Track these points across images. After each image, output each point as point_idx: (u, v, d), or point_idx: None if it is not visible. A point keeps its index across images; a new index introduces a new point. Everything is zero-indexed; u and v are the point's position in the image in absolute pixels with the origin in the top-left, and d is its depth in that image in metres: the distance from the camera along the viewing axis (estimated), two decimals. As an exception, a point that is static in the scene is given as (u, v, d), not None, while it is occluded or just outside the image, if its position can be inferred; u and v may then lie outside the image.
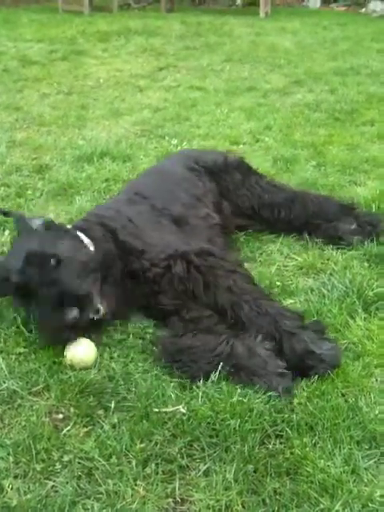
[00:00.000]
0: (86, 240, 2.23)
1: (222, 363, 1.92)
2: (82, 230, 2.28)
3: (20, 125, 4.81)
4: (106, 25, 9.92)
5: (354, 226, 2.94)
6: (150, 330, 2.26)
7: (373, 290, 2.41)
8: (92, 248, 2.22)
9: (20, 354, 2.10)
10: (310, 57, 7.75)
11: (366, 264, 2.68)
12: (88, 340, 2.04)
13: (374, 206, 3.24)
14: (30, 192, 3.45)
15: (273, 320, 2.02)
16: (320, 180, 3.72)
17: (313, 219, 3.00)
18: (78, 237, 2.22)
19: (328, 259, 2.78)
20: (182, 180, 2.82)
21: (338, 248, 2.85)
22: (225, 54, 7.84)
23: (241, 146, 4.37)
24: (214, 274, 2.18)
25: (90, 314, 2.00)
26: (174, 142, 4.38)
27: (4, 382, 1.94)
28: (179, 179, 2.82)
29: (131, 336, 2.21)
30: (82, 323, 1.98)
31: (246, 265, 2.74)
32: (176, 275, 2.22)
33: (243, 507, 1.50)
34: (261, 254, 2.89)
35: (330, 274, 2.62)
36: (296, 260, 2.79)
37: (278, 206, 3.01)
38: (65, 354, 1.99)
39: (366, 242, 2.83)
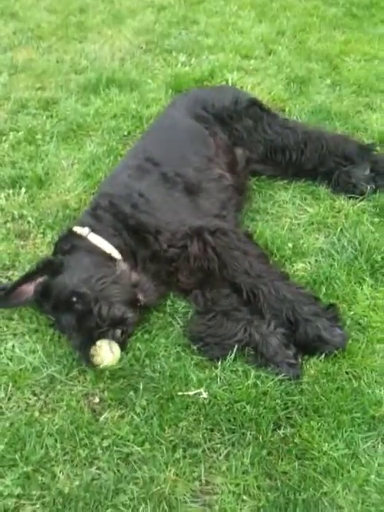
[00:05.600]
0: (104, 245, 2.36)
1: (241, 347, 2.13)
2: (96, 226, 2.40)
3: (19, 40, 4.57)
4: None
5: (367, 172, 2.94)
6: (169, 302, 2.44)
7: (381, 254, 2.51)
8: (113, 251, 2.35)
9: (53, 334, 2.30)
10: None
11: (376, 219, 2.74)
12: (111, 344, 2.16)
13: (388, 141, 3.21)
14: (39, 136, 3.42)
15: (291, 306, 2.17)
16: (334, 104, 3.63)
17: (327, 160, 2.99)
18: (95, 250, 2.33)
19: (339, 211, 2.84)
20: (192, 139, 2.79)
21: (349, 197, 2.89)
22: None
23: (252, 61, 4.16)
24: (231, 256, 2.29)
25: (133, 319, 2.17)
26: (182, 58, 4.19)
27: (43, 367, 2.17)
28: (189, 138, 2.79)
29: (153, 311, 2.39)
30: (126, 338, 2.18)
31: (258, 217, 2.85)
32: (192, 254, 2.34)
33: (258, 490, 1.78)
34: (273, 204, 2.94)
35: (340, 232, 2.70)
36: (307, 212, 2.86)
37: (290, 148, 3.00)
38: (93, 352, 2.13)
39: (377, 192, 2.87)
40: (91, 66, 4.15)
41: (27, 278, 2.28)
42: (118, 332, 2.11)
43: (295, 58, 4.15)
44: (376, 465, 1.82)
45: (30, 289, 2.29)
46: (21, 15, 4.99)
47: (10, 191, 3.01)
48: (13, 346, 2.27)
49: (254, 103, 3.09)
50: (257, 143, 3.00)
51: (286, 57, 4.18)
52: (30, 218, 2.85)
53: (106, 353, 2.11)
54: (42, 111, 3.66)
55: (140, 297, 2.21)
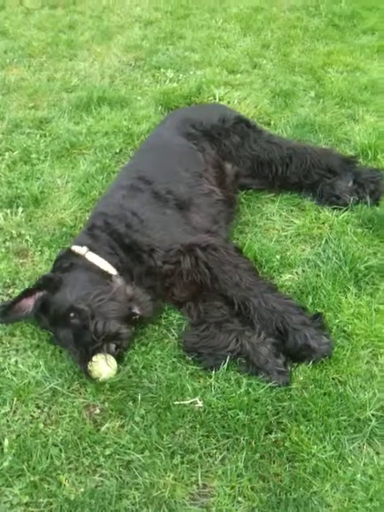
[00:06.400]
0: (101, 263, 2.46)
1: (233, 357, 2.26)
2: (93, 245, 2.52)
3: (10, 59, 4.68)
4: None
5: (350, 184, 3.08)
6: (164, 315, 2.56)
7: (364, 263, 2.65)
8: (110, 268, 2.45)
9: (54, 349, 2.42)
10: None
11: (359, 229, 2.87)
12: (108, 357, 2.27)
13: (370, 152, 3.35)
14: (34, 156, 3.53)
15: (280, 317, 2.30)
16: (318, 117, 3.76)
17: (311, 173, 3.12)
18: (92, 268, 2.44)
19: (323, 223, 2.97)
20: (182, 156, 2.92)
21: (333, 208, 3.02)
22: None
23: (238, 75, 4.29)
24: (222, 270, 2.42)
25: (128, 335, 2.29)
26: (170, 74, 4.31)
27: (46, 381, 2.28)
28: (179, 155, 2.92)
29: (149, 324, 2.50)
30: (121, 352, 2.30)
31: (247, 230, 2.97)
32: (185, 270, 2.46)
33: (252, 491, 1.90)
34: (261, 217, 3.07)
35: (326, 242, 2.83)
36: (294, 224, 2.99)
37: (276, 163, 3.14)
38: (90, 368, 2.24)
39: (360, 203, 3.01)
40: (82, 84, 4.27)
41: (25, 294, 2.39)
42: (113, 346, 2.23)
43: (280, 71, 4.29)
44: (361, 464, 1.95)
45: (29, 304, 2.40)
46: (11, 33, 5.10)
47: (8, 210, 3.12)
48: (16, 362, 2.38)
49: (241, 120, 3.23)
50: (244, 158, 3.13)
51: (270, 70, 4.32)
52: (27, 237, 2.96)
53: (103, 367, 2.23)
54: (35, 130, 3.78)
55: (136, 310, 2.33)
